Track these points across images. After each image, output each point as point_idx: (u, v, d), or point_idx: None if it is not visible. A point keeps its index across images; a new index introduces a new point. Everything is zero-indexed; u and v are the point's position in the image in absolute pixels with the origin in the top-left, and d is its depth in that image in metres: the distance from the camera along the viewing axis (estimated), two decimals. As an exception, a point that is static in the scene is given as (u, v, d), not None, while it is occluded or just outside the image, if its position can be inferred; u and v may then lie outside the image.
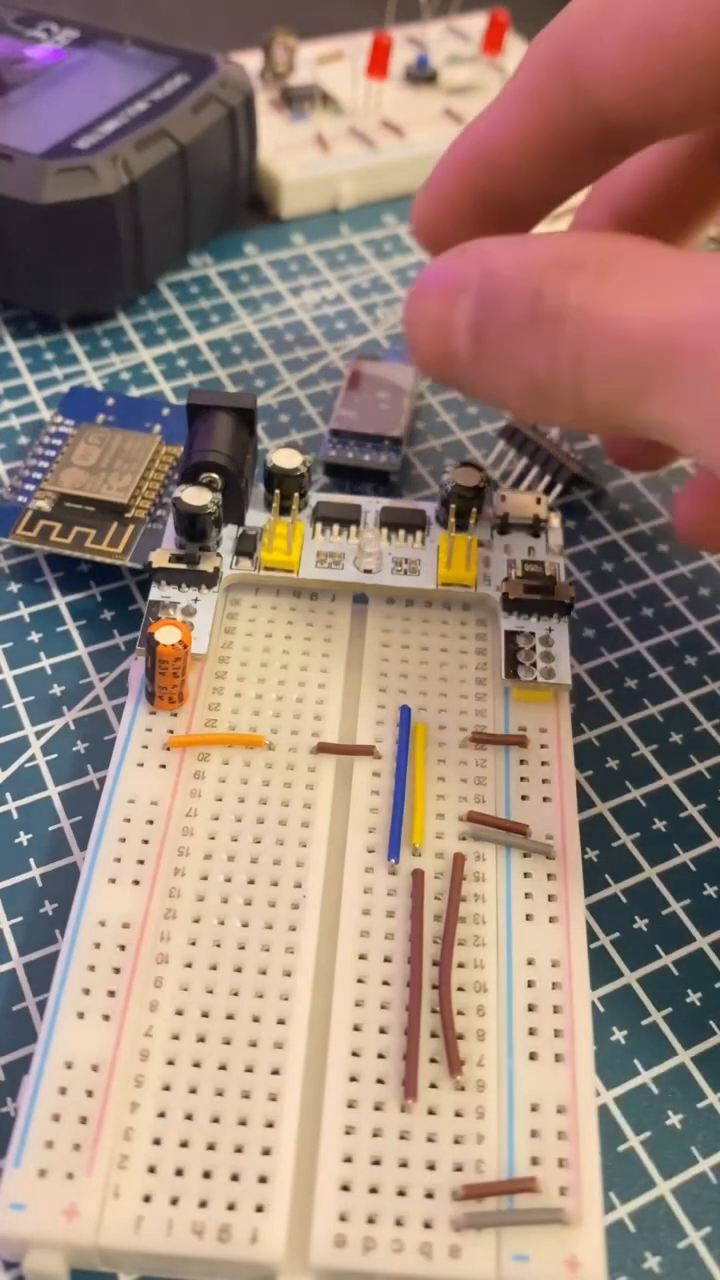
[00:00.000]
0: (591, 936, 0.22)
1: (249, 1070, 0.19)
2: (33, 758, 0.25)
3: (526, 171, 0.23)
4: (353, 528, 0.26)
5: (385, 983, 0.20)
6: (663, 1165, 0.20)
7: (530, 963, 0.20)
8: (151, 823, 0.22)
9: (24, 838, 0.24)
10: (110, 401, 0.31)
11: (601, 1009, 0.22)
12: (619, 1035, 0.21)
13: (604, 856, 0.24)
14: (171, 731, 0.23)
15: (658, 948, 0.23)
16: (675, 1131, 0.20)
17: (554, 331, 0.19)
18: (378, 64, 0.39)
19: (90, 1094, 0.18)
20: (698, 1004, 0.22)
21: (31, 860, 0.23)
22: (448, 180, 0.24)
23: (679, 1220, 0.20)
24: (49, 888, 0.23)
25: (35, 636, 0.27)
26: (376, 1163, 0.18)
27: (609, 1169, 0.20)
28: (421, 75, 0.42)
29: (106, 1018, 0.19)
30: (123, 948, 0.20)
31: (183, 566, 0.24)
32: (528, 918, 0.21)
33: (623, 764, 0.25)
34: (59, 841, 0.24)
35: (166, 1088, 0.19)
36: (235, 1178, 0.18)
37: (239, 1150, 0.18)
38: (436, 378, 0.23)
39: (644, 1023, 0.22)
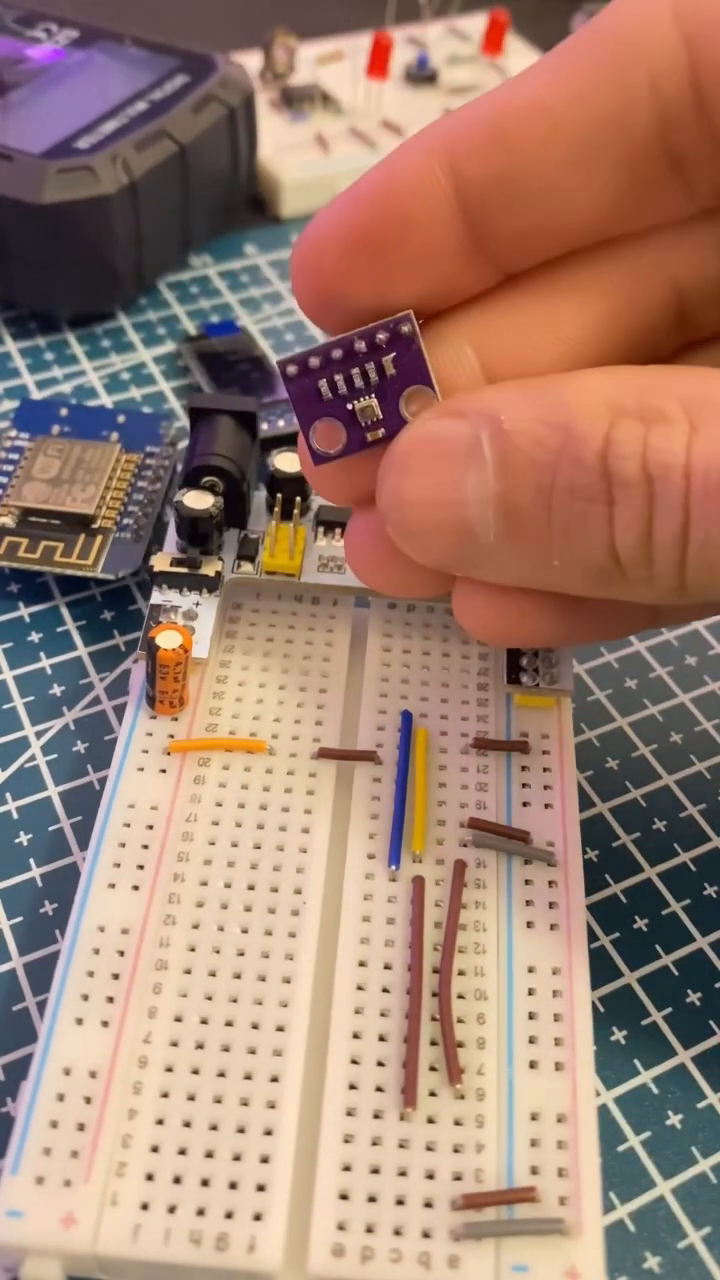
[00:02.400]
0: (591, 936, 0.22)
1: (248, 1077, 0.19)
2: (33, 758, 0.25)
3: (564, 156, 0.17)
4: (354, 531, 0.26)
5: (385, 990, 0.20)
6: (663, 1165, 0.20)
7: (531, 970, 0.20)
8: (151, 828, 0.21)
9: (24, 838, 0.24)
10: (63, 412, 0.30)
11: (601, 1009, 0.22)
12: (619, 1035, 0.21)
13: (604, 856, 0.24)
14: (172, 736, 0.23)
15: (658, 948, 0.23)
16: (675, 1131, 0.20)
17: (642, 499, 0.16)
18: (378, 64, 0.39)
19: (88, 1101, 0.18)
20: (698, 1004, 0.22)
21: (31, 860, 0.23)
22: (411, 165, 0.18)
23: (679, 1220, 0.20)
24: (49, 888, 0.23)
25: (35, 637, 0.27)
26: (375, 1171, 0.18)
27: (609, 1169, 0.20)
28: (421, 75, 0.42)
29: (105, 1024, 0.19)
30: (122, 953, 0.20)
31: (184, 570, 0.24)
32: (528, 925, 0.21)
33: (623, 764, 0.25)
34: (59, 842, 0.23)
35: (165, 1095, 0.18)
36: (233, 1186, 0.18)
37: (237, 1158, 0.18)
38: (442, 567, 0.19)
39: (644, 1023, 0.22)
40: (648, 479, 0.16)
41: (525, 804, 0.22)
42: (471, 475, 0.18)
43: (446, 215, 0.18)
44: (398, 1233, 0.17)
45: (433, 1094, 0.19)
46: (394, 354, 0.19)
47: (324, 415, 0.19)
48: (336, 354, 0.19)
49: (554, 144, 0.17)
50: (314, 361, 0.19)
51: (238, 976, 0.20)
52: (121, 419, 0.30)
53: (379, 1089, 0.19)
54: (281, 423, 0.31)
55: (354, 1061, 0.19)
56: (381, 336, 0.19)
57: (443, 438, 0.18)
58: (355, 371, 0.19)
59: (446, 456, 0.18)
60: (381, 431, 0.19)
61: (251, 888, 0.21)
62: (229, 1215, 0.17)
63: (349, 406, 0.19)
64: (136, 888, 0.21)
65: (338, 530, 0.26)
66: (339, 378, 0.19)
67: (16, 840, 0.23)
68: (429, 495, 0.18)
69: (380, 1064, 0.19)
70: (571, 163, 0.17)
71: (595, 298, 0.19)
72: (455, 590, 0.20)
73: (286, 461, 0.25)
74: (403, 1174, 0.18)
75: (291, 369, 0.19)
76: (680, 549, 0.16)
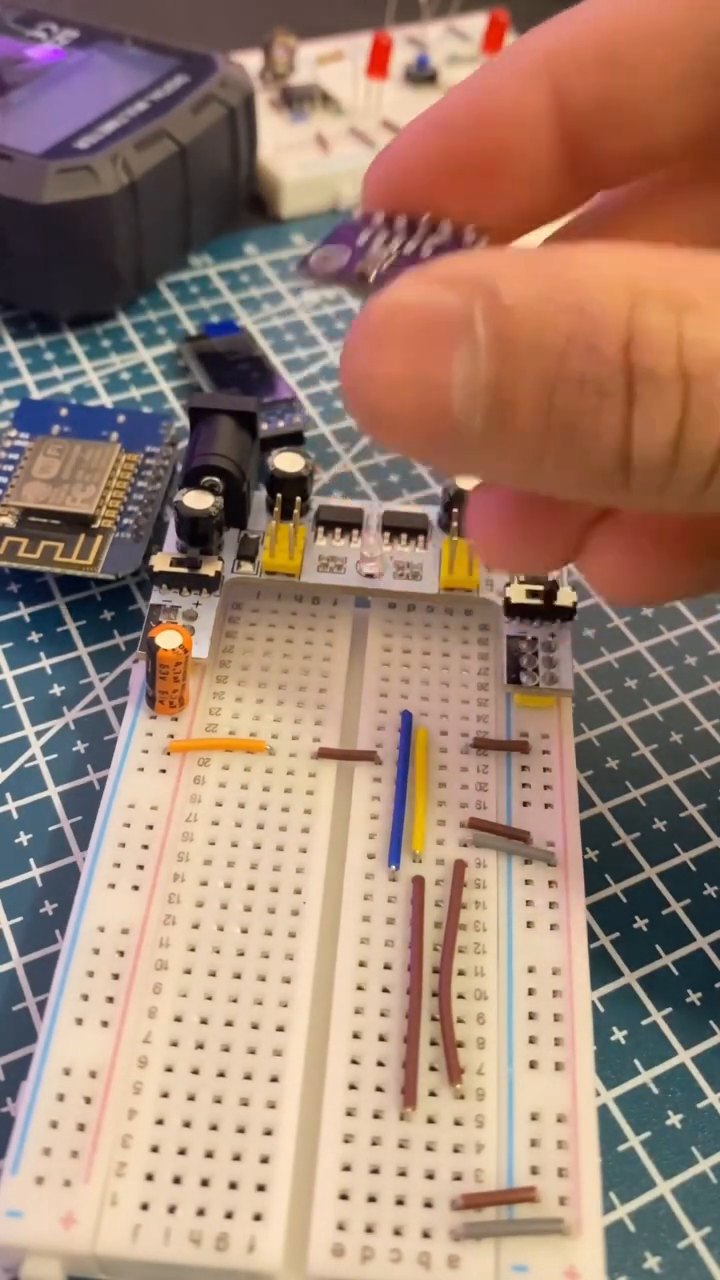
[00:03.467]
0: (591, 936, 0.22)
1: (247, 1078, 0.19)
2: (33, 758, 0.25)
3: (676, 77, 0.17)
4: (354, 532, 0.26)
5: (385, 990, 0.20)
6: (663, 1165, 0.20)
7: (531, 970, 0.20)
8: (151, 828, 0.21)
9: (24, 838, 0.24)
10: (63, 412, 0.30)
11: (601, 1009, 0.22)
12: (619, 1035, 0.21)
13: (604, 856, 0.24)
14: (172, 736, 0.23)
15: (658, 948, 0.23)
16: (675, 1131, 0.20)
17: (675, 399, 0.14)
18: (378, 64, 0.39)
19: (88, 1101, 0.18)
20: (698, 1004, 0.22)
21: (31, 860, 0.23)
22: (509, 89, 0.17)
23: (679, 1220, 0.20)
24: (49, 888, 0.23)
25: (35, 637, 0.27)
26: (375, 1171, 0.18)
27: (609, 1169, 0.20)
28: (421, 75, 0.42)
29: (105, 1024, 0.19)
30: (122, 954, 0.20)
31: (184, 570, 0.24)
32: (528, 925, 0.21)
33: (623, 764, 0.25)
34: (59, 841, 0.23)
35: (165, 1095, 0.18)
36: (233, 1186, 0.18)
37: (237, 1158, 0.18)
38: (413, 455, 0.17)
39: (644, 1023, 0.22)
40: (683, 376, 0.14)
41: (525, 804, 0.22)
42: (460, 353, 0.15)
43: (546, 141, 0.17)
44: (398, 1233, 0.17)
45: (433, 1094, 0.19)
46: (438, 242, 0.18)
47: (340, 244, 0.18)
48: (400, 223, 0.18)
49: (670, 64, 0.17)
50: (378, 218, 0.19)
51: (238, 976, 0.20)
52: (121, 419, 0.30)
53: (379, 1089, 0.19)
54: (281, 423, 0.31)
55: (354, 1061, 0.19)
56: (446, 228, 0.18)
57: (428, 306, 0.15)
58: (398, 242, 0.18)
59: (431, 329, 0.15)
60: (374, 275, 0.18)
61: (251, 888, 0.21)
62: (229, 1215, 0.17)
63: (361, 245, 0.18)
64: (136, 888, 0.21)
65: (338, 530, 0.26)
66: (381, 237, 0.18)
67: (16, 840, 0.23)
68: (406, 372, 0.16)
69: (380, 1064, 0.19)
70: (681, 83, 0.17)
71: (690, 219, 0.19)
72: (585, 552, 0.19)
73: (286, 461, 0.25)
74: (403, 1174, 0.18)
75: (356, 213, 0.19)
76: (717, 458, 0.15)
